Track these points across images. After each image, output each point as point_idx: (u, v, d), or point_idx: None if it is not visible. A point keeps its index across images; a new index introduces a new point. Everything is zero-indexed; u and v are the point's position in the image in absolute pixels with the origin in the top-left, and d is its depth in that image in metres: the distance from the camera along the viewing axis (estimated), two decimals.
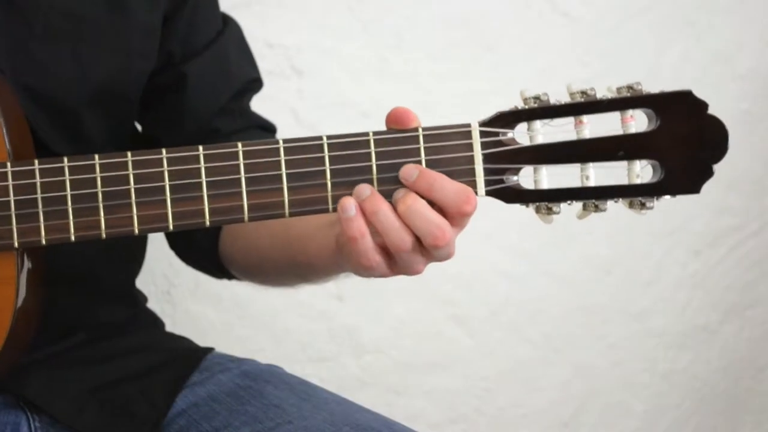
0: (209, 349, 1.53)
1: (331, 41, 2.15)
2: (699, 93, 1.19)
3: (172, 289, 2.15)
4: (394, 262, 1.20)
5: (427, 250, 1.18)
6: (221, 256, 1.53)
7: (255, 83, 1.58)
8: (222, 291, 2.16)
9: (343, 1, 2.15)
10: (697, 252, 2.44)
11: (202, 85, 1.51)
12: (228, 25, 1.56)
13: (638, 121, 1.18)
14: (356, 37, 2.17)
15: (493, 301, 2.33)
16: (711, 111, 1.18)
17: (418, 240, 1.17)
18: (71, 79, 1.41)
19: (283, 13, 2.12)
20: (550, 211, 1.19)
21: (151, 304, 1.64)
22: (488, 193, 1.19)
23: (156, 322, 1.60)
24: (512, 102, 1.20)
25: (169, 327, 1.63)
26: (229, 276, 1.56)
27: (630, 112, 1.17)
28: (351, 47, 2.16)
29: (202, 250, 1.54)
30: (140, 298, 1.60)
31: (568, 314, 2.37)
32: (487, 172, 1.19)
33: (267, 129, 1.58)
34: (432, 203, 1.18)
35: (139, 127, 1.59)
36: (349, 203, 1.17)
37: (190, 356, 1.50)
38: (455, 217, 1.17)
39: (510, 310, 2.34)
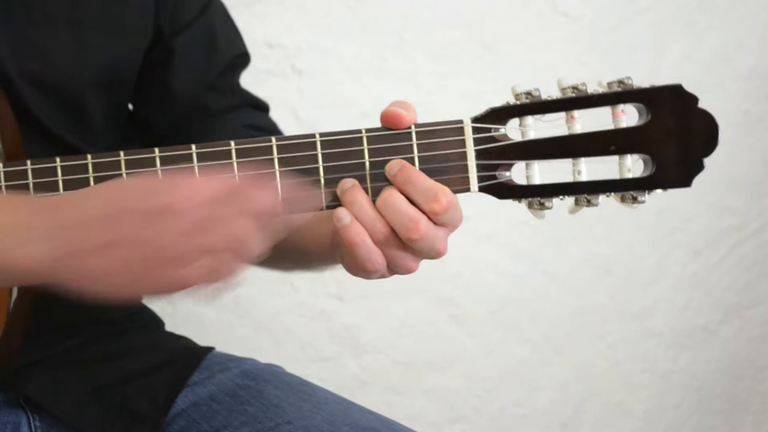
0: (209, 349, 1.52)
1: (331, 41, 2.15)
2: (699, 93, 1.19)
3: None
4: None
5: (407, 244, 1.17)
6: None
7: (243, 58, 1.57)
8: None
9: (343, 1, 2.15)
10: (697, 252, 2.44)
11: (189, 60, 1.50)
12: (212, 0, 1.55)
13: (629, 116, 1.18)
14: (356, 37, 2.17)
15: (493, 301, 2.33)
16: (710, 109, 1.18)
17: (396, 235, 1.17)
18: (73, 63, 1.40)
19: (283, 13, 2.12)
20: (542, 206, 1.19)
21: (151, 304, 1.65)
22: (481, 189, 1.19)
23: (156, 322, 1.60)
24: (511, 101, 1.21)
25: (169, 327, 1.62)
26: None
27: (621, 106, 1.17)
28: (351, 47, 2.17)
29: None
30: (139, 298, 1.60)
31: (568, 314, 2.37)
32: (480, 168, 1.19)
33: (259, 107, 1.57)
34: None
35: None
36: (342, 212, 1.17)
37: (190, 356, 1.49)
38: (428, 214, 1.16)
39: (510, 310, 2.34)
